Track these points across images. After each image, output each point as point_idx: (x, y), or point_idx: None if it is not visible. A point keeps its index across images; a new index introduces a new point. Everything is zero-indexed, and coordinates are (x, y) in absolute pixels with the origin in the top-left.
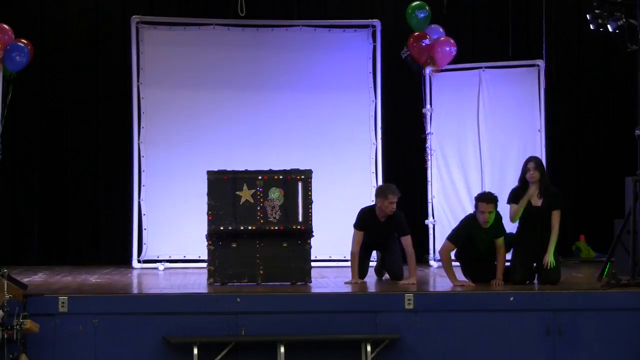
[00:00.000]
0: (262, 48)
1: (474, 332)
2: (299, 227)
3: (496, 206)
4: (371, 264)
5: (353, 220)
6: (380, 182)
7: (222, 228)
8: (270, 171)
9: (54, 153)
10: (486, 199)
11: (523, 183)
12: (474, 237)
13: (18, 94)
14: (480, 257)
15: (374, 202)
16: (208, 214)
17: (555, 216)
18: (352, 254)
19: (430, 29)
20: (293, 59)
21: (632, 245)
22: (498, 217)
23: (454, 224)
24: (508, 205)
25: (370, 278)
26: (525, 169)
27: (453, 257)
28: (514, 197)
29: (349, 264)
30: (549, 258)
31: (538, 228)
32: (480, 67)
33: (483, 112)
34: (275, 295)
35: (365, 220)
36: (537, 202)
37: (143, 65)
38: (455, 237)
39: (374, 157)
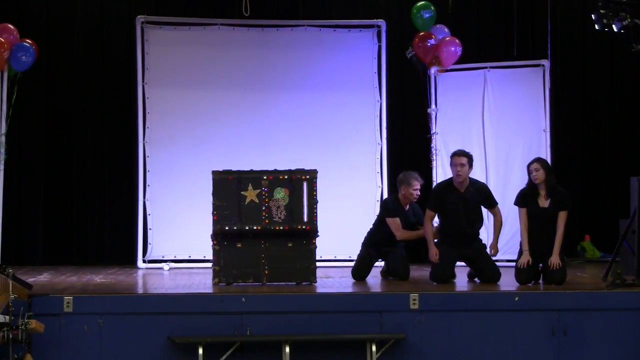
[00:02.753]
0: (267, 48)
1: (479, 332)
2: (304, 227)
3: (470, 162)
4: (378, 264)
5: (358, 220)
6: (385, 182)
7: (227, 228)
8: (276, 171)
9: (59, 153)
10: (458, 152)
11: (530, 185)
12: (447, 198)
13: (23, 94)
14: (458, 225)
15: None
16: (213, 214)
17: (562, 217)
18: (401, 238)
19: (436, 29)
20: (298, 59)
21: (637, 245)
22: (483, 186)
23: None
24: (516, 207)
25: (375, 278)
26: (529, 171)
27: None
28: (522, 199)
29: (353, 264)
30: (556, 260)
31: (545, 229)
32: (485, 67)
33: (488, 112)
34: (280, 295)
35: (395, 207)
36: (545, 203)
37: (148, 65)
38: (431, 204)
39: (379, 157)
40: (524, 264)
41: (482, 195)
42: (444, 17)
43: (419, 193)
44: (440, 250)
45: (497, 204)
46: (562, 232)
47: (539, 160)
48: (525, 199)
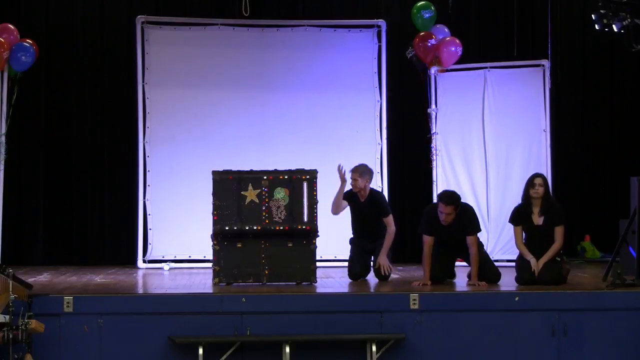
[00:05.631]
0: (267, 48)
1: (479, 332)
2: (304, 227)
3: (457, 207)
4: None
5: None
6: (385, 182)
7: (227, 228)
8: (276, 171)
9: (59, 153)
10: (445, 199)
11: (526, 200)
12: (436, 228)
13: (23, 94)
14: (445, 251)
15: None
16: (213, 214)
17: (559, 231)
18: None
19: (436, 29)
20: (298, 59)
21: (638, 245)
22: (468, 214)
23: None
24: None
25: (375, 278)
26: (530, 184)
27: None
28: (516, 217)
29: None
30: (538, 267)
31: (541, 246)
32: (486, 67)
33: (488, 112)
34: (280, 295)
35: (348, 196)
36: (538, 220)
37: (148, 65)
38: (423, 228)
39: (379, 157)
40: (535, 269)
41: (469, 226)
42: (444, 17)
43: (357, 184)
44: (434, 250)
45: (477, 230)
46: (558, 245)
47: (542, 175)
48: (519, 216)
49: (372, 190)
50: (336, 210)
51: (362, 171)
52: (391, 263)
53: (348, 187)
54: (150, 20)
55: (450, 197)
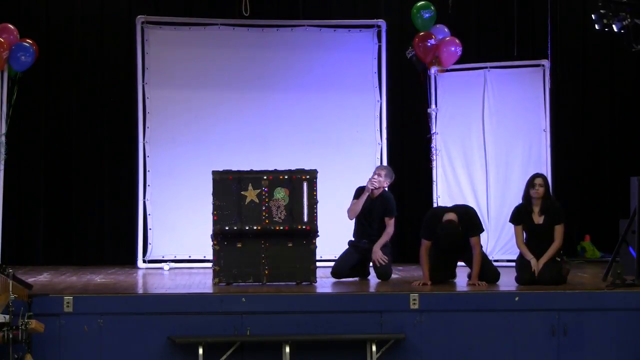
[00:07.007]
0: (267, 48)
1: (479, 332)
2: (304, 227)
3: (460, 217)
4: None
5: None
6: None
7: (227, 228)
8: (276, 171)
9: (59, 153)
10: (447, 238)
11: (526, 199)
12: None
13: (23, 94)
14: (445, 252)
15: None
16: (213, 214)
17: (559, 230)
18: (350, 211)
19: (436, 29)
20: (298, 59)
21: (638, 245)
22: (470, 216)
23: None
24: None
25: (375, 278)
26: (531, 184)
27: None
28: (517, 217)
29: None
30: (538, 267)
31: (542, 245)
32: (486, 67)
33: (488, 112)
34: (280, 295)
35: (359, 192)
36: (539, 219)
37: (148, 65)
38: (425, 234)
39: (379, 157)
40: (535, 269)
41: (471, 226)
42: (444, 17)
43: (376, 179)
44: (434, 250)
45: (480, 230)
46: (558, 244)
47: (542, 175)
48: (519, 216)
49: (384, 190)
50: (355, 216)
51: (387, 172)
52: (391, 263)
53: (361, 184)
54: (150, 20)
55: (449, 235)
